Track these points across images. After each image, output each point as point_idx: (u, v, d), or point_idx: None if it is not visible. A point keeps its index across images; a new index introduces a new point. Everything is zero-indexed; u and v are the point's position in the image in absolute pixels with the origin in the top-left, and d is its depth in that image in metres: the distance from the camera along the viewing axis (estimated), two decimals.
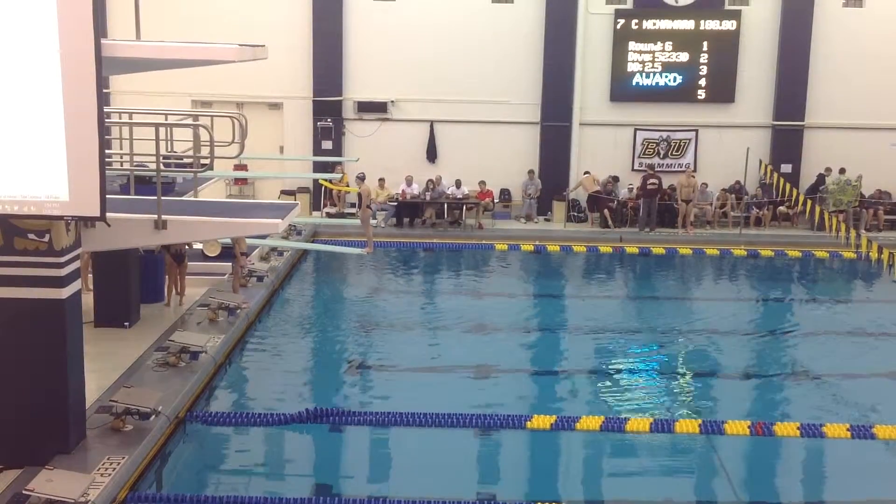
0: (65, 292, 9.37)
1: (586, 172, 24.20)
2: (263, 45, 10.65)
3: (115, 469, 9.30)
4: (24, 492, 8.30)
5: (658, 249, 22.12)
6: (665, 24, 24.18)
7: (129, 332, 13.95)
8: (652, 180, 23.28)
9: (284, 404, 12.26)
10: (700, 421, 11.82)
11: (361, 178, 20.00)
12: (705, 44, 24.26)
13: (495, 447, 11.56)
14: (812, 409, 12.64)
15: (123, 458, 9.57)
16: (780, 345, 16.05)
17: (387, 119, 24.60)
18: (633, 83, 24.45)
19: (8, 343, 9.31)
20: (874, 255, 19.94)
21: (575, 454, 11.71)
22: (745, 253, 22.13)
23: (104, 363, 12.22)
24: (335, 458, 11.48)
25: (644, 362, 15.06)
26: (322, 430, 11.62)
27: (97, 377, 11.51)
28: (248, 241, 16.90)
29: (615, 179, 24.22)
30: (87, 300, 13.52)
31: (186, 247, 15.71)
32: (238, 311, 14.90)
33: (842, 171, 23.58)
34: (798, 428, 11.58)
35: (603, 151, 24.42)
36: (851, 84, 24.27)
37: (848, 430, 11.55)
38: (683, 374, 14.38)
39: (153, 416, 10.42)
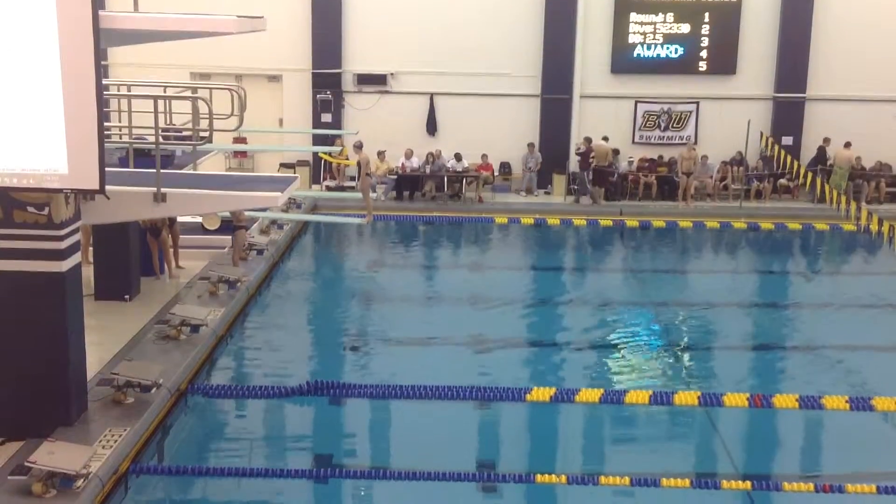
0: (65, 265, 9.37)
1: (604, 138, 23.75)
2: (262, 17, 10.59)
3: (116, 441, 9.35)
4: (25, 464, 8.33)
5: (658, 222, 22.10)
6: None
7: (129, 306, 13.96)
8: (594, 154, 23.29)
9: (285, 377, 12.31)
10: (699, 393, 11.86)
11: (359, 147, 19.93)
12: (707, 15, 24.09)
13: (495, 419, 11.61)
14: (811, 381, 12.68)
15: (125, 430, 9.61)
16: (779, 317, 16.09)
17: (386, 92, 24.49)
18: (635, 55, 24.31)
19: (8, 316, 9.31)
20: (874, 227, 19.92)
21: (574, 426, 11.77)
22: (746, 226, 22.11)
23: (105, 336, 12.25)
24: (335, 430, 11.52)
25: (643, 335, 15.09)
26: (322, 402, 11.67)
27: (98, 350, 11.54)
28: (248, 214, 16.89)
29: (615, 152, 24.12)
30: (88, 273, 13.54)
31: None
32: (238, 284, 14.91)
33: (847, 144, 23.48)
34: (797, 400, 11.60)
35: (603, 124, 24.24)
36: (853, 56, 24.10)
37: (847, 402, 11.57)
38: (682, 347, 14.42)
39: (154, 389, 10.46)
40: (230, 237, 16.51)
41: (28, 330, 9.34)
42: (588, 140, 23.46)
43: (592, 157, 23.25)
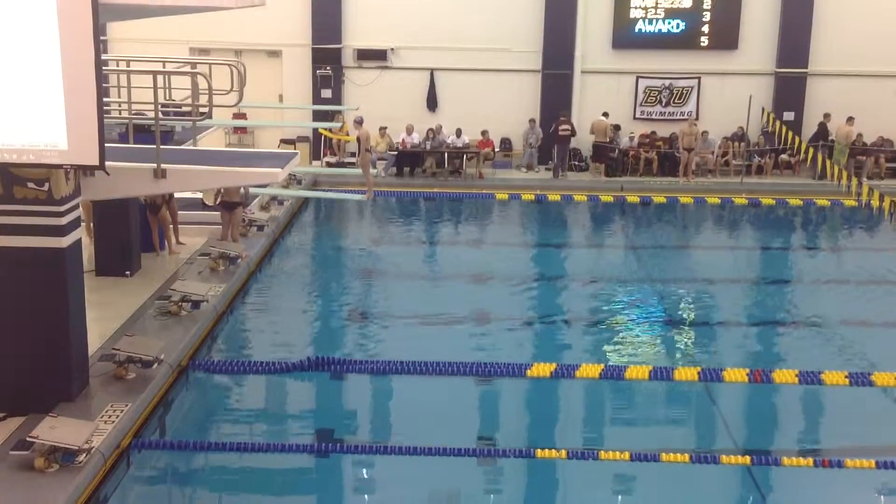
0: (65, 241, 9.37)
1: (605, 114, 23.69)
2: None
3: (118, 416, 9.39)
4: (28, 439, 8.36)
5: (659, 198, 22.07)
6: None
7: (130, 281, 13.96)
8: (564, 126, 23.20)
9: (286, 352, 12.33)
10: (699, 368, 11.88)
11: (359, 122, 19.86)
12: None
13: (495, 395, 11.64)
14: (811, 357, 12.69)
15: (126, 405, 9.64)
16: (779, 293, 16.09)
17: (387, 67, 24.39)
18: (636, 30, 24.20)
19: (9, 292, 9.33)
20: (875, 203, 19.91)
21: (574, 401, 11.80)
22: (747, 201, 22.08)
23: (106, 312, 12.26)
24: (336, 405, 11.57)
25: (644, 310, 15.08)
26: (323, 377, 11.69)
27: (99, 326, 11.56)
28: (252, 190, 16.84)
29: (616, 128, 24.06)
30: (89, 249, 13.54)
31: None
32: (239, 260, 14.92)
33: (849, 120, 23.41)
34: (796, 375, 11.64)
35: (605, 100, 24.18)
36: (855, 31, 23.98)
37: (846, 377, 11.60)
38: (683, 322, 14.44)
39: (155, 365, 10.49)
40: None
41: (29, 306, 9.36)
42: (558, 116, 23.44)
43: (564, 130, 23.15)
